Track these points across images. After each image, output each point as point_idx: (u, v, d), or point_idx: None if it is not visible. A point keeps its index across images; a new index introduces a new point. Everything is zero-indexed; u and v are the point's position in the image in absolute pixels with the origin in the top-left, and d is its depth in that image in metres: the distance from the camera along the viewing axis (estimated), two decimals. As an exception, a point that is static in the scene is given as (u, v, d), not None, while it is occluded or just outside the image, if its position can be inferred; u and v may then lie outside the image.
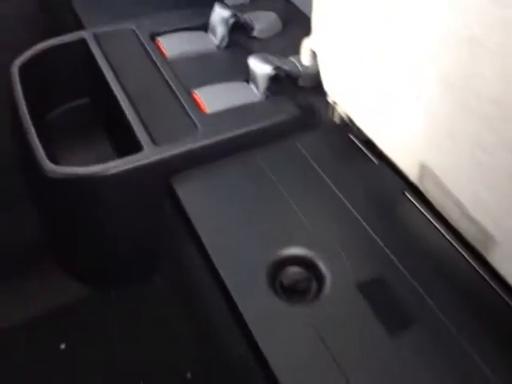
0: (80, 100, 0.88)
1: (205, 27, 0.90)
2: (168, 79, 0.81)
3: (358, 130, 0.71)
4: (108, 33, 0.88)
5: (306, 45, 0.76)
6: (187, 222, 0.66)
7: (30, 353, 0.87)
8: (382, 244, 0.62)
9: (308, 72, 0.79)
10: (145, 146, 0.70)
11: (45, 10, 1.14)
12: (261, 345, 0.54)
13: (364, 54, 0.62)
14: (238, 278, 0.59)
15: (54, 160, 0.74)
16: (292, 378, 0.52)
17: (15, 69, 0.80)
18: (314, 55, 0.76)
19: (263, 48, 0.88)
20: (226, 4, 0.93)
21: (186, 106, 0.76)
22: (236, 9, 0.91)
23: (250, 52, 0.85)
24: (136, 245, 0.76)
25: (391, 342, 0.55)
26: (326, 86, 0.72)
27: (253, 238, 0.63)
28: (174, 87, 0.79)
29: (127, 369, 0.88)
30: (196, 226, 0.65)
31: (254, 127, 0.75)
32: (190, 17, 0.93)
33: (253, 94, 0.79)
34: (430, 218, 0.64)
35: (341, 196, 0.67)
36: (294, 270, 0.59)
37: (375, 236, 0.63)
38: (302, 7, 0.98)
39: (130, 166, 0.69)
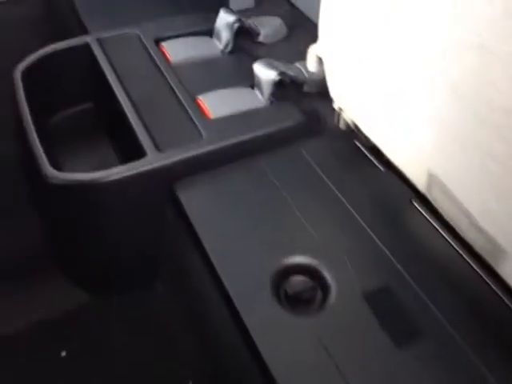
0: (83, 105, 0.88)
1: (210, 32, 0.89)
2: (172, 84, 0.80)
3: (364, 136, 0.70)
4: (112, 37, 0.88)
5: (313, 51, 0.75)
6: (190, 228, 0.65)
7: (30, 360, 0.86)
8: (388, 253, 0.61)
9: (313, 78, 0.78)
10: (148, 152, 0.70)
11: (49, 14, 1.14)
12: (264, 355, 0.53)
13: (371, 61, 0.61)
14: (242, 287, 0.58)
15: (57, 165, 0.73)
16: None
17: (18, 73, 0.80)
18: (320, 61, 0.75)
19: (268, 53, 0.87)
20: (230, 9, 0.93)
21: (190, 112, 0.75)
22: (241, 14, 0.91)
23: (254, 57, 0.84)
24: (138, 251, 0.75)
25: (397, 353, 0.54)
26: (332, 93, 0.72)
27: (257, 245, 0.62)
28: (178, 93, 0.78)
29: (128, 377, 0.87)
30: (199, 232, 0.64)
31: (258, 133, 0.74)
32: (194, 22, 0.92)
33: (257, 99, 0.79)
34: (438, 227, 0.63)
35: (346, 203, 0.66)
36: (298, 279, 0.58)
37: (381, 245, 0.62)
38: (307, 12, 0.97)
39: (133, 172, 0.68)
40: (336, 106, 0.73)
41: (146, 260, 0.76)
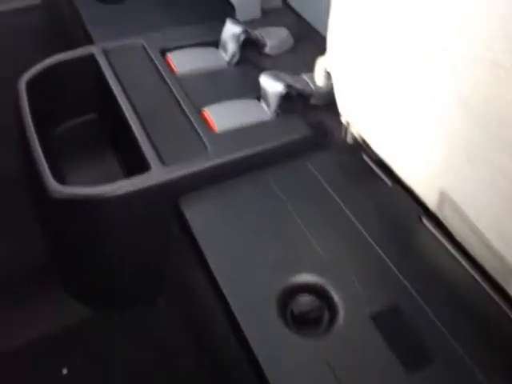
0: (88, 116, 0.87)
1: (216, 43, 0.89)
2: (177, 96, 0.79)
3: (372, 150, 0.69)
4: (117, 48, 0.87)
5: (321, 64, 0.74)
6: (194, 244, 0.64)
7: (31, 377, 0.84)
8: (397, 271, 0.60)
9: (320, 91, 0.77)
10: (152, 166, 0.69)
11: (54, 23, 1.14)
12: (269, 377, 0.52)
13: (381, 75, 0.60)
14: (247, 306, 0.57)
15: (60, 176, 0.73)
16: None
17: (22, 84, 0.79)
18: (328, 75, 0.74)
19: (274, 65, 0.86)
20: (237, 20, 0.92)
21: (196, 125, 0.74)
22: (247, 24, 0.90)
23: (261, 69, 0.83)
24: (142, 266, 0.74)
25: (406, 376, 0.52)
26: (341, 107, 0.70)
27: (262, 262, 0.61)
28: (183, 105, 0.78)
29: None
30: (203, 248, 0.63)
31: (264, 147, 0.73)
32: (200, 32, 0.91)
33: (263, 112, 0.78)
34: (448, 245, 0.61)
35: (353, 219, 0.65)
36: (305, 299, 0.57)
37: (389, 263, 0.61)
38: (313, 23, 0.96)
39: (137, 187, 0.67)
40: (343, 119, 0.72)
41: (150, 275, 0.75)
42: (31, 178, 0.73)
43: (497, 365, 0.53)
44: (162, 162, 0.69)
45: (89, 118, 0.87)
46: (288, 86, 0.76)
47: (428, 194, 0.60)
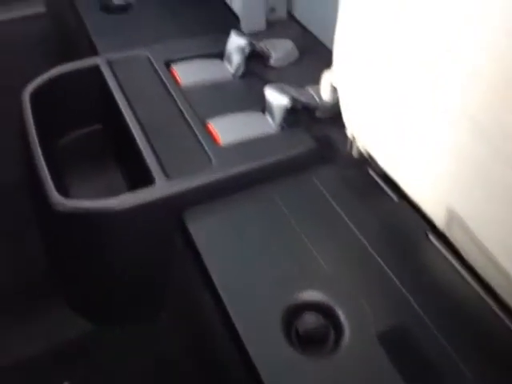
0: (92, 127, 0.87)
1: (220, 55, 0.88)
2: (182, 108, 0.79)
3: (378, 165, 0.68)
4: (122, 59, 0.87)
5: (326, 79, 0.74)
6: (198, 259, 0.63)
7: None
8: (403, 289, 0.59)
9: (326, 104, 0.77)
10: (157, 179, 0.68)
11: (58, 32, 1.14)
12: None
13: (388, 91, 0.60)
14: (251, 324, 0.56)
15: (63, 188, 0.72)
16: None
17: (26, 96, 0.79)
18: (333, 89, 0.73)
19: (279, 77, 0.86)
20: (242, 31, 0.92)
21: (200, 138, 0.74)
22: (252, 36, 0.90)
23: (265, 81, 0.83)
24: (144, 280, 0.73)
25: None
26: (346, 120, 0.70)
27: (267, 279, 0.60)
28: (188, 117, 0.77)
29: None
30: (207, 264, 0.62)
31: (269, 160, 0.72)
32: (205, 44, 0.91)
33: (268, 125, 0.77)
34: (454, 263, 0.60)
35: (359, 235, 0.64)
36: (310, 317, 0.56)
37: (396, 280, 0.60)
38: (318, 36, 0.96)
39: (141, 200, 0.66)
40: (349, 133, 0.72)
41: (154, 290, 0.74)
42: (34, 189, 0.72)
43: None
44: (166, 175, 0.69)
45: (93, 130, 0.87)
46: (293, 100, 0.75)
47: (435, 211, 0.59)
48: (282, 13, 1.00)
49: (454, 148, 0.53)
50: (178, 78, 0.85)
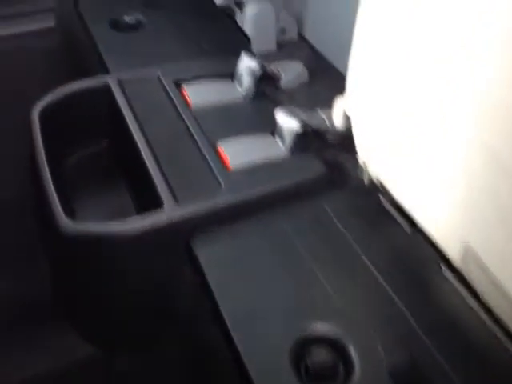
0: (100, 147, 0.86)
1: (231, 75, 0.88)
2: (192, 130, 0.78)
3: (390, 194, 0.67)
4: (132, 78, 0.86)
5: (339, 106, 0.73)
6: (206, 287, 0.62)
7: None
8: (414, 323, 0.58)
9: (337, 130, 0.76)
10: (165, 203, 0.67)
11: (68, 49, 1.13)
12: None
13: (403, 120, 0.59)
14: (259, 357, 0.55)
15: (70, 208, 0.71)
16: None
17: (35, 114, 0.78)
18: (346, 116, 0.73)
19: (290, 99, 0.86)
20: (252, 53, 0.92)
21: (210, 161, 0.73)
22: (262, 57, 0.89)
23: (276, 103, 0.82)
24: (151, 305, 0.72)
25: None
26: (359, 148, 0.69)
27: (276, 311, 0.59)
28: (197, 139, 0.76)
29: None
30: (215, 293, 0.61)
31: (278, 186, 0.71)
32: (216, 64, 0.91)
33: (278, 148, 0.76)
34: (468, 298, 0.59)
35: (370, 266, 0.63)
36: (320, 352, 0.54)
37: (407, 313, 0.59)
38: (328, 57, 0.96)
39: (149, 224, 0.65)
40: (361, 160, 0.71)
41: (159, 315, 0.73)
42: (41, 211, 0.71)
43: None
44: (175, 198, 0.68)
45: (101, 150, 0.86)
46: (304, 125, 0.75)
47: (449, 246, 0.58)
48: (292, 34, 1.00)
49: (471, 182, 0.52)
50: (188, 98, 0.84)
